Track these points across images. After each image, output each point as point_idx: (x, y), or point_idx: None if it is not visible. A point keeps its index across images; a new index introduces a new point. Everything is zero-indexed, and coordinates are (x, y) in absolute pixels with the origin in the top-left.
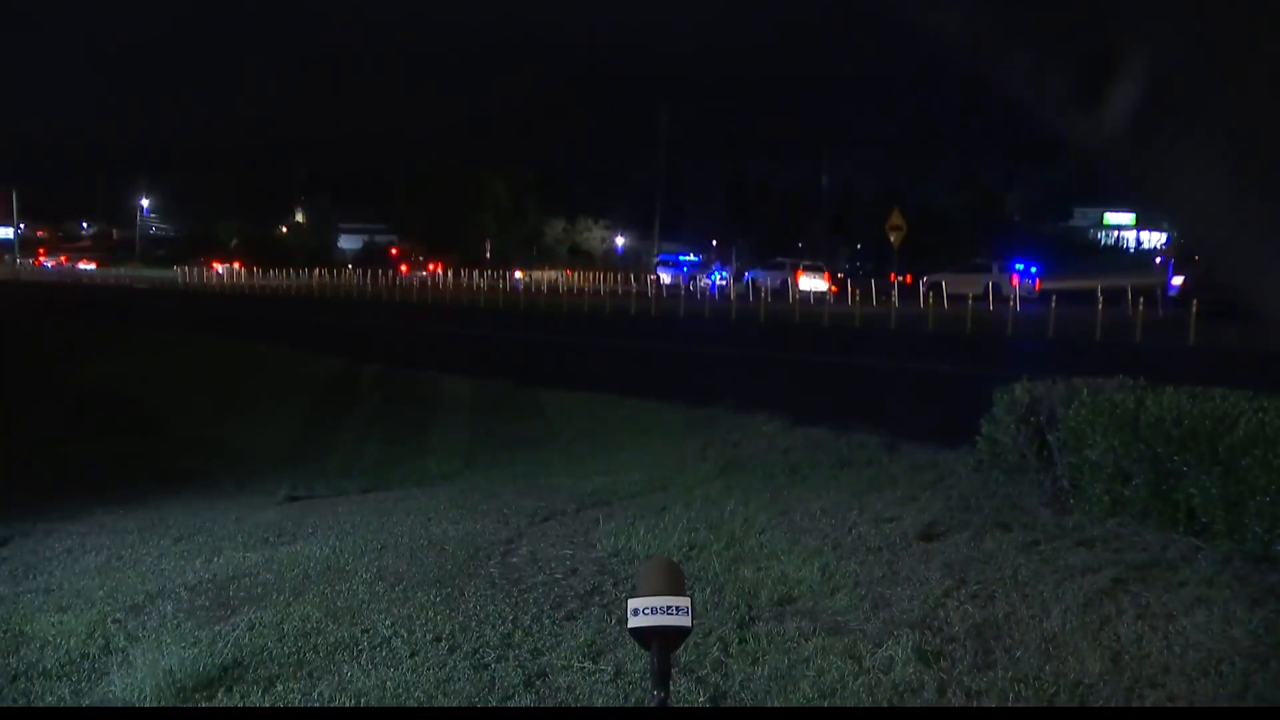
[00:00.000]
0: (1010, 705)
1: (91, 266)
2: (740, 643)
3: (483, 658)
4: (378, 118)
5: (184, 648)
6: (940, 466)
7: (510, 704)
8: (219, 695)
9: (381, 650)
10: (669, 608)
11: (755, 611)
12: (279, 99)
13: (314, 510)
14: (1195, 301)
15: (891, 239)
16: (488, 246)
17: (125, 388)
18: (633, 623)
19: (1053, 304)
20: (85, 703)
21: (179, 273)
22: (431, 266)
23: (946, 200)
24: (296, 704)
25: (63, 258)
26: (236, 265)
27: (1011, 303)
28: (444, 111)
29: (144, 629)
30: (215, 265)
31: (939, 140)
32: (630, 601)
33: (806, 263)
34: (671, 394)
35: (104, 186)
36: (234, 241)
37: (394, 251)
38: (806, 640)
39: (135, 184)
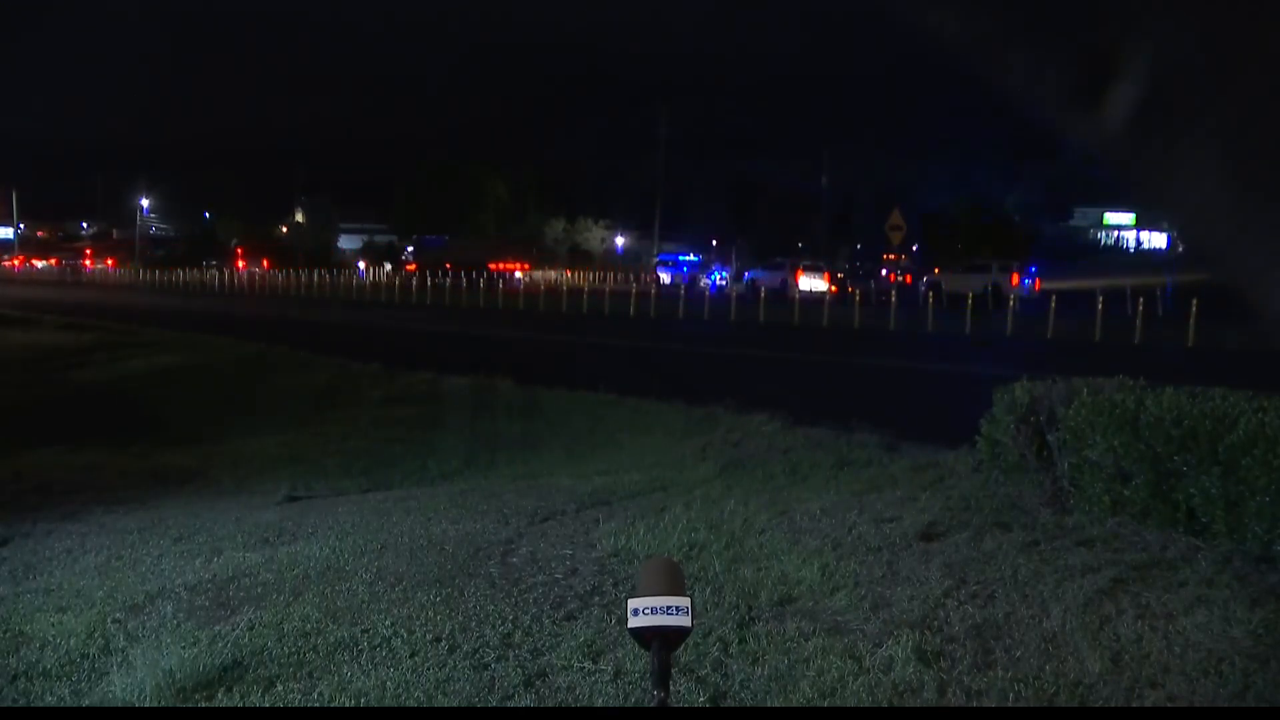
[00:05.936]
0: (1010, 705)
1: None
2: (740, 643)
3: (483, 658)
4: (378, 117)
5: (184, 648)
6: (940, 466)
7: (510, 704)
8: (219, 695)
9: (381, 650)
10: (669, 608)
11: (755, 611)
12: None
13: (314, 510)
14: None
15: (892, 239)
16: None
17: (125, 388)
18: (633, 623)
19: (1052, 304)
20: (85, 703)
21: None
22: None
23: (946, 200)
24: (296, 704)
25: None
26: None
27: (1011, 303)
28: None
29: (144, 629)
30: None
31: (939, 140)
32: (630, 601)
33: (806, 263)
34: (671, 394)
35: (104, 186)
36: (234, 242)
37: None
38: (806, 640)
39: (135, 184)
